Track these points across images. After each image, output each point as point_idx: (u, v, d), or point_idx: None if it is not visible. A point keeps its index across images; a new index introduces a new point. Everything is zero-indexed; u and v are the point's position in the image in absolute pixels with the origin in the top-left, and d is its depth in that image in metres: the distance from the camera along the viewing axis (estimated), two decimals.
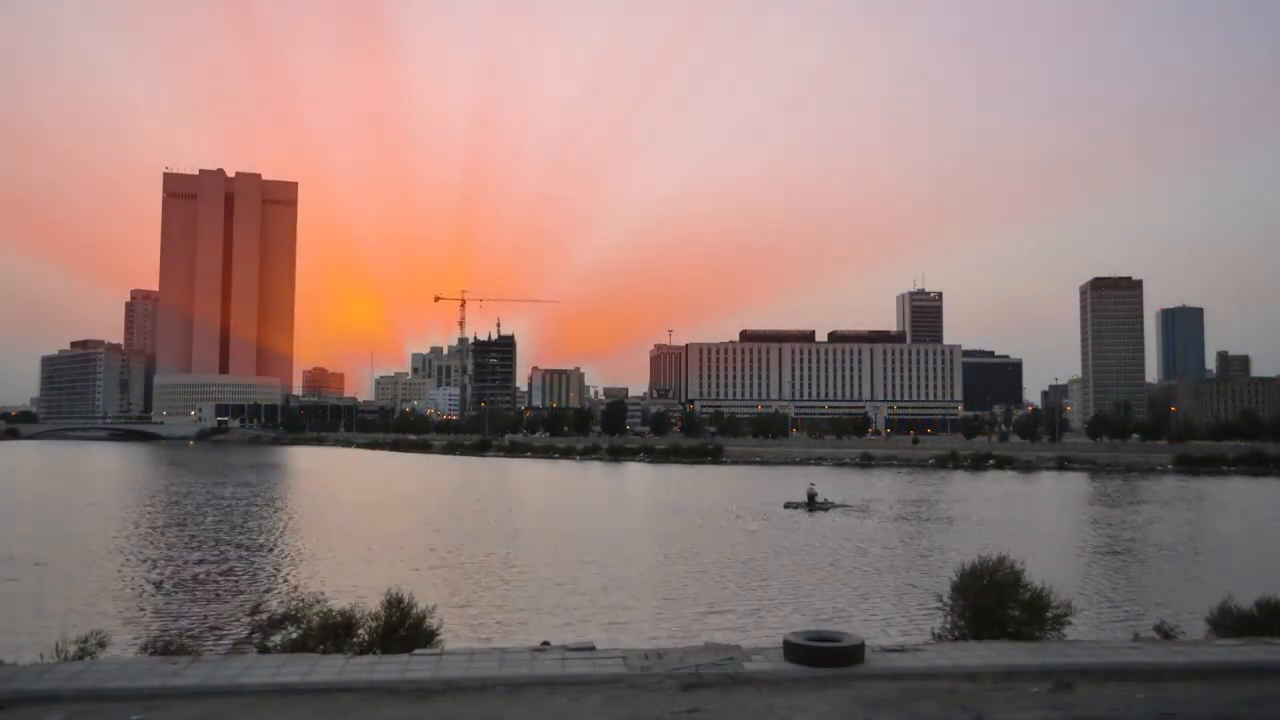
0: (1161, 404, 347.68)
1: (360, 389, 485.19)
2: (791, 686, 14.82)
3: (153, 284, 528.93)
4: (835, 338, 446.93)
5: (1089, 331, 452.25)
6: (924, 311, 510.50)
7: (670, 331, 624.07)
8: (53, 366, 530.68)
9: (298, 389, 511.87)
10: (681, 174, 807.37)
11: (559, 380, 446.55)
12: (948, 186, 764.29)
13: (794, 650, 15.71)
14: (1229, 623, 20.01)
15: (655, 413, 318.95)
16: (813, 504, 78.02)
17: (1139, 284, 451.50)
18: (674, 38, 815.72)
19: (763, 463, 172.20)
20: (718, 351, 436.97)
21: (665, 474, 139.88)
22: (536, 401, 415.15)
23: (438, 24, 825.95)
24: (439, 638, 18.62)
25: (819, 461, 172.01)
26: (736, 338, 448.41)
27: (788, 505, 79.93)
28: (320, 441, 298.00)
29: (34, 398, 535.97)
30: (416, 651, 17.18)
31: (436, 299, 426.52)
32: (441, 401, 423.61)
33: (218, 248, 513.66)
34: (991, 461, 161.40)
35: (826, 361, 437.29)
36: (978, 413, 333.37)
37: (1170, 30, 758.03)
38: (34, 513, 76.27)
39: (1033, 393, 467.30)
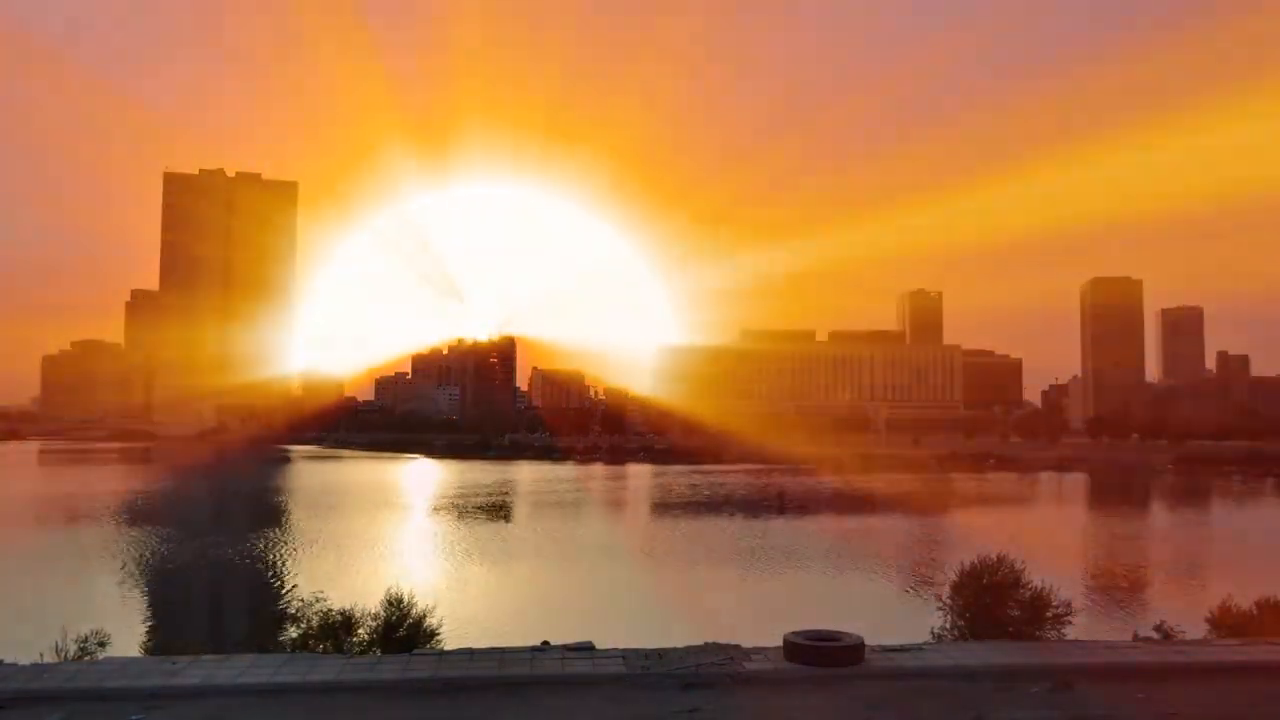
0: (1161, 404, 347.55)
1: (360, 389, 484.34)
2: (792, 686, 14.81)
3: (153, 284, 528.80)
4: (835, 338, 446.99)
5: (1089, 331, 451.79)
6: (924, 311, 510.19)
7: (671, 331, 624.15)
8: (53, 366, 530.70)
9: (298, 389, 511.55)
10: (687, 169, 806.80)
11: (559, 380, 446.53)
12: (948, 185, 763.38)
13: (794, 649, 15.71)
14: (1229, 623, 20.03)
15: (656, 412, 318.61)
16: (783, 504, 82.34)
17: (1139, 284, 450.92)
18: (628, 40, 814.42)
19: (763, 462, 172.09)
20: (718, 351, 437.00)
21: (665, 473, 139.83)
22: (537, 402, 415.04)
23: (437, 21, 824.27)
24: (439, 637, 18.63)
25: (819, 460, 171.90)
26: (737, 338, 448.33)
27: (765, 505, 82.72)
28: (320, 442, 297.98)
29: (34, 398, 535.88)
30: (416, 651, 17.19)
31: (436, 298, 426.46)
32: (442, 402, 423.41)
33: (218, 248, 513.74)
34: (992, 461, 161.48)
35: (826, 361, 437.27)
36: (978, 412, 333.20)
37: (1170, 27, 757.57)
38: (35, 513, 76.26)
39: (1033, 393, 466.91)
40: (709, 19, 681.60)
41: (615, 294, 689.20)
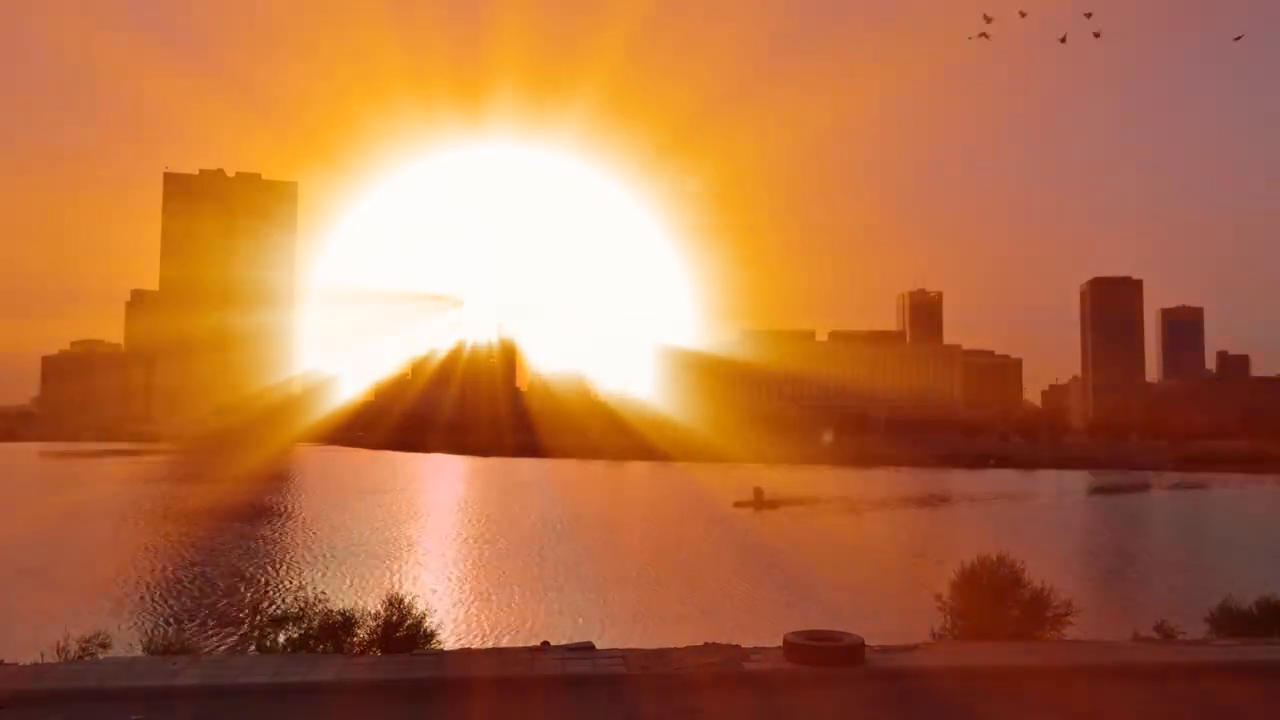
0: (1161, 404, 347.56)
1: (359, 390, 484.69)
2: (791, 685, 14.81)
3: (153, 284, 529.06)
4: (835, 338, 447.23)
5: (1089, 331, 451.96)
6: (924, 311, 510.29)
7: (672, 332, 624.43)
8: (53, 367, 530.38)
9: (297, 389, 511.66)
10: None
11: (560, 382, 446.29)
12: (949, 185, 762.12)
13: (794, 649, 15.71)
14: (1229, 623, 20.05)
15: (656, 413, 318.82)
16: (759, 501, 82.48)
17: (1139, 284, 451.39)
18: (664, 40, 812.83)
19: (764, 462, 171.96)
20: (718, 351, 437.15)
21: (665, 473, 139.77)
22: (537, 403, 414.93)
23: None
24: (438, 637, 18.64)
25: (821, 460, 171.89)
26: (738, 338, 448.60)
27: (766, 505, 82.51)
28: (319, 443, 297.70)
29: (34, 398, 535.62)
30: (416, 651, 17.20)
31: (437, 299, 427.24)
32: (442, 403, 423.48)
33: (218, 248, 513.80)
34: (992, 461, 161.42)
35: (826, 361, 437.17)
36: (978, 413, 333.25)
37: (1175, 32, 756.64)
38: (35, 514, 76.25)
39: (1033, 393, 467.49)
40: None
41: (616, 292, 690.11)
